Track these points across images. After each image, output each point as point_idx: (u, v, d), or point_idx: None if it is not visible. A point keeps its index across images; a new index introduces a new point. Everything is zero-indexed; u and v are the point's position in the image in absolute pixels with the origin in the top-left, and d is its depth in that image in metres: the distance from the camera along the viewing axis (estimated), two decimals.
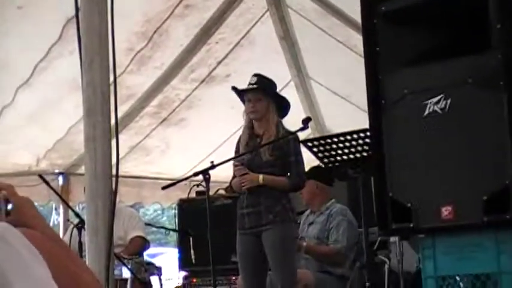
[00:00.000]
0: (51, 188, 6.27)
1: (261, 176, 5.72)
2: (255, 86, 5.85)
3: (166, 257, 18.41)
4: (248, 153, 5.85)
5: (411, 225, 3.95)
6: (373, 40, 4.14)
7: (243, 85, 5.99)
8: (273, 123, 5.83)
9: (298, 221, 6.57)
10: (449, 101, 3.85)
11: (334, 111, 9.79)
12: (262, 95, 5.85)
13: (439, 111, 3.87)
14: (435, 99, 3.88)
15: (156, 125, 9.23)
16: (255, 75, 5.93)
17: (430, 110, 3.90)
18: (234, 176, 5.97)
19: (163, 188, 5.89)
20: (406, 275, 6.71)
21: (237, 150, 6.02)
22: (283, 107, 5.98)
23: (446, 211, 3.82)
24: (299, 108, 9.24)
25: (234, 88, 5.99)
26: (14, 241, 1.46)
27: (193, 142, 9.58)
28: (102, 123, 4.42)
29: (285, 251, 5.72)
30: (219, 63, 8.66)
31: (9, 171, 8.72)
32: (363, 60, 4.32)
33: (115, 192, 4.43)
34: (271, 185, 5.75)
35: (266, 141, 5.79)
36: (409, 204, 3.95)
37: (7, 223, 1.54)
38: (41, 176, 6.18)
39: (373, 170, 4.21)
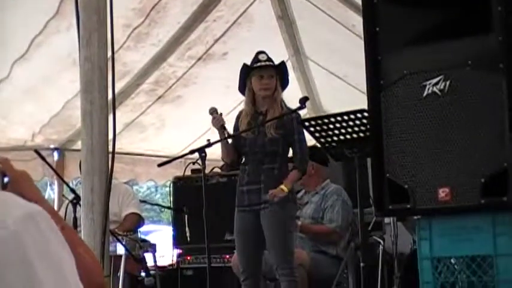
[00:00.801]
0: (47, 163, 6.26)
1: (282, 186, 5.72)
2: (271, 63, 5.88)
3: (159, 235, 18.39)
4: (250, 130, 5.85)
5: (408, 206, 3.95)
6: (373, 20, 4.12)
7: (239, 63, 5.97)
8: (278, 101, 5.86)
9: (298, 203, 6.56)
10: (448, 83, 3.84)
11: (331, 91, 9.78)
12: (273, 73, 5.87)
13: (438, 92, 3.87)
14: (434, 81, 3.87)
15: (151, 102, 9.20)
16: (262, 52, 5.92)
17: (429, 91, 3.89)
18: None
19: (160, 165, 5.88)
20: (400, 256, 6.73)
21: (236, 126, 6.00)
22: (284, 84, 6.00)
23: (443, 193, 3.82)
24: (296, 88, 9.23)
25: (245, 65, 5.95)
26: (44, 226, 1.47)
27: (189, 120, 9.55)
28: (100, 98, 4.41)
29: (282, 230, 5.73)
30: (216, 41, 8.62)
31: (4, 146, 8.70)
32: (360, 40, 4.31)
33: (111, 169, 4.43)
34: (292, 183, 5.80)
35: (270, 118, 5.79)
36: (406, 185, 3.95)
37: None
38: (36, 151, 6.16)
39: (371, 150, 4.21)
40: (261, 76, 5.84)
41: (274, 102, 5.85)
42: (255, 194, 5.78)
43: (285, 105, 5.89)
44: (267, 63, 5.84)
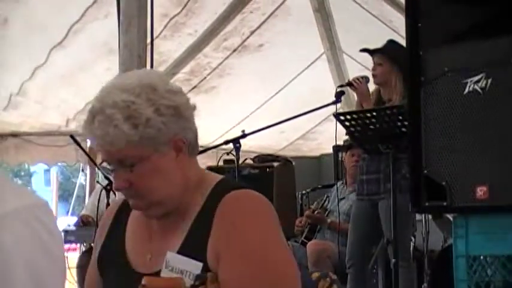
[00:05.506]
0: (82, 149, 6.28)
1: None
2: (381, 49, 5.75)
3: None
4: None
5: (445, 203, 3.93)
6: (415, 15, 4.09)
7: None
8: (395, 92, 5.64)
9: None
10: (490, 81, 3.80)
11: None
12: (382, 60, 5.70)
13: (479, 90, 3.83)
14: (476, 78, 3.84)
15: (186, 92, 9.18)
16: (388, 40, 5.82)
17: (470, 88, 3.85)
18: None
19: None
20: (431, 253, 6.70)
21: None
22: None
23: (481, 191, 3.79)
24: (330, 82, 9.22)
25: (364, 49, 5.88)
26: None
27: (222, 111, 9.57)
28: None
29: (399, 222, 5.40)
30: (252, 32, 8.61)
31: (39, 131, 8.76)
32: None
33: None
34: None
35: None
36: (443, 182, 3.92)
37: None
38: (72, 137, 6.19)
39: (409, 146, 4.18)
40: (374, 63, 5.78)
41: (393, 92, 5.66)
42: (374, 184, 5.67)
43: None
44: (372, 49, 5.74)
